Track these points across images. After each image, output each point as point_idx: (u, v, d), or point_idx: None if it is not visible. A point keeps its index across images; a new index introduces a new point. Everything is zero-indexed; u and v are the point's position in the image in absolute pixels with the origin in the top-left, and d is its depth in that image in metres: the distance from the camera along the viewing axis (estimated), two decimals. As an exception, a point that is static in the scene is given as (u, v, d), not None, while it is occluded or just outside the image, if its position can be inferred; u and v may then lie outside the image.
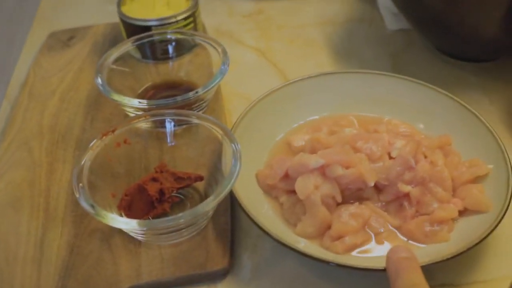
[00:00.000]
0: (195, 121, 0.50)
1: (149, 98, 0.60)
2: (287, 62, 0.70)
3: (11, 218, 0.50)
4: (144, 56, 0.64)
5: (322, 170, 0.48)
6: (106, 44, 0.73)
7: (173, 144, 0.53)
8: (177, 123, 0.51)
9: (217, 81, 0.55)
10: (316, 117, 0.59)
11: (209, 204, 0.43)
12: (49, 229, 0.49)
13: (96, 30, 0.76)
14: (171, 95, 0.61)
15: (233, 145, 0.47)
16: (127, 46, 0.61)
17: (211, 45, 0.60)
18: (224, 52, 0.58)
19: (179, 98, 0.54)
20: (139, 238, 0.47)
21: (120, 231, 0.48)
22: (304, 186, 0.47)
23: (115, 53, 0.59)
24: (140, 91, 0.62)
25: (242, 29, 0.77)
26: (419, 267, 0.39)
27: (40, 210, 0.51)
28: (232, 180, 0.44)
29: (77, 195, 0.44)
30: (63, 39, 0.74)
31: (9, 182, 0.54)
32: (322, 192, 0.47)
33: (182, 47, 0.64)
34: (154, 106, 0.54)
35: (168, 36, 0.62)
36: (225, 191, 0.43)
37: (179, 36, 0.62)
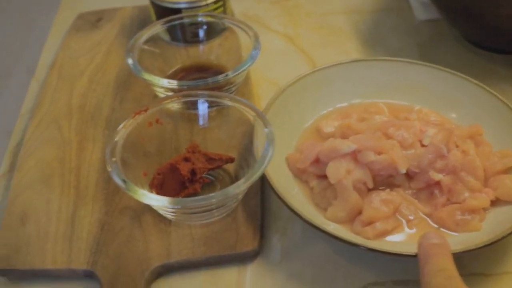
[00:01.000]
0: (228, 103, 0.50)
1: (179, 80, 0.60)
2: (315, 49, 0.70)
3: (41, 195, 0.51)
4: (174, 38, 0.64)
5: (354, 156, 0.48)
6: (134, 26, 0.73)
7: (204, 125, 0.53)
8: (210, 105, 0.51)
9: (247, 65, 0.55)
10: (345, 104, 0.58)
11: (241, 186, 0.43)
12: (80, 206, 0.49)
13: (124, 12, 0.76)
14: (200, 77, 0.61)
15: (266, 129, 0.47)
16: (158, 27, 0.61)
17: (242, 29, 0.59)
18: (256, 37, 0.57)
19: (209, 80, 0.54)
20: (170, 216, 0.47)
21: (150, 209, 0.48)
22: (336, 170, 0.47)
23: (146, 34, 0.59)
24: (169, 72, 0.62)
25: (270, 15, 0.76)
26: (450, 253, 0.39)
27: (70, 188, 0.51)
28: (265, 164, 0.44)
29: (110, 169, 0.44)
30: (91, 21, 0.74)
31: (39, 160, 0.54)
32: (354, 177, 0.47)
33: (212, 31, 0.64)
34: (184, 87, 0.54)
35: (199, 19, 0.62)
36: (257, 174, 0.43)
37: (209, 19, 0.62)
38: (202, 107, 0.51)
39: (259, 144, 0.47)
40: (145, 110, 0.49)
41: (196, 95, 0.50)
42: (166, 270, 0.45)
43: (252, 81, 0.63)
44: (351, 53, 0.69)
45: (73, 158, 0.54)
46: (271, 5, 0.78)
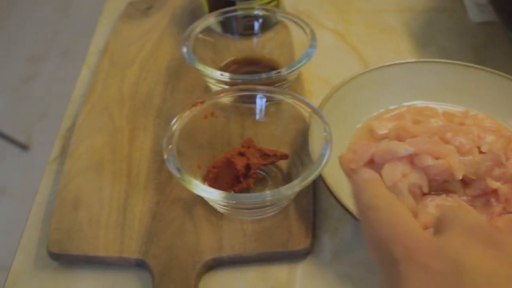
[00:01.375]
0: (283, 98, 0.50)
1: (231, 72, 0.60)
2: (366, 47, 0.69)
3: (93, 182, 0.51)
4: (226, 30, 0.63)
5: (411, 159, 0.47)
6: (184, 16, 0.73)
7: (257, 120, 0.52)
8: (265, 100, 0.51)
9: (303, 62, 0.55)
10: (398, 105, 0.58)
11: (296, 187, 0.42)
12: (131, 195, 0.50)
13: (175, 1, 0.75)
14: (252, 71, 0.61)
15: (324, 128, 0.46)
16: (213, 19, 0.60)
17: (298, 24, 0.59)
18: (313, 34, 0.57)
19: (263, 75, 0.53)
20: (222, 210, 0.47)
21: (201, 201, 0.48)
22: (392, 173, 0.47)
23: (201, 24, 0.59)
24: (222, 64, 0.61)
25: (320, 10, 0.75)
26: (383, 184, 0.36)
27: (122, 176, 0.51)
28: (322, 165, 0.43)
29: (166, 157, 0.44)
30: (142, 9, 0.74)
31: (91, 146, 0.54)
32: (410, 180, 0.46)
33: (265, 24, 0.64)
34: (238, 81, 0.53)
35: (256, 12, 0.62)
36: (313, 176, 0.43)
37: (265, 12, 0.62)
38: (257, 102, 0.51)
39: (315, 143, 0.47)
40: (202, 103, 0.49)
41: (254, 90, 0.50)
42: (217, 263, 0.45)
43: (303, 77, 0.63)
44: (403, 53, 0.68)
45: (125, 146, 0.54)
46: (321, 0, 0.78)
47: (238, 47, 0.64)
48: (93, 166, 0.52)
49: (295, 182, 0.42)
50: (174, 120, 0.47)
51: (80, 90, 0.64)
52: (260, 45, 0.64)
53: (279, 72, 0.54)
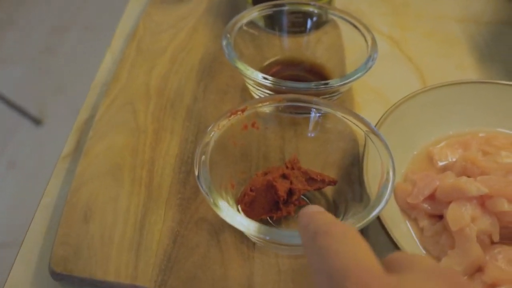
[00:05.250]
0: (334, 112, 0.43)
1: (273, 75, 0.53)
2: (424, 58, 0.61)
3: (109, 189, 0.44)
4: (269, 25, 0.56)
5: (482, 201, 0.40)
6: (222, 4, 0.66)
7: (299, 132, 0.45)
8: (314, 112, 0.44)
9: (359, 74, 0.47)
10: (461, 131, 0.50)
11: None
12: (151, 210, 0.43)
13: (213, -13, 0.68)
14: (297, 75, 0.54)
15: (384, 153, 0.39)
16: (258, 12, 0.53)
17: (357, 28, 0.51)
18: (374, 43, 0.49)
19: (313, 85, 0.46)
20: (255, 240, 0.40)
21: (231, 226, 0.41)
22: (460, 215, 0.39)
23: (246, 18, 0.52)
24: (264, 64, 0.54)
25: (374, 12, 0.68)
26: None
27: (142, 185, 0.45)
28: (382, 203, 0.36)
29: (196, 173, 0.37)
30: (177, -8, 0.67)
31: (110, 146, 0.48)
32: (479, 226, 0.39)
33: (314, 22, 0.57)
34: (283, 88, 0.46)
35: (307, 9, 0.54)
36: (372, 216, 0.35)
37: (317, 10, 0.54)
38: (303, 113, 0.44)
39: (371, 170, 0.40)
40: (242, 111, 0.42)
41: (305, 101, 0.43)
42: (245, 304, 0.38)
43: (352, 86, 0.55)
44: (466, 69, 0.60)
45: (147, 150, 0.47)
46: (376, 0, 0.70)
47: (282, 46, 0.56)
48: (110, 170, 0.46)
49: (348, 223, 0.35)
50: (209, 128, 0.40)
51: (102, 77, 0.58)
52: (307, 45, 0.57)
53: (328, 84, 0.47)
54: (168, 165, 0.46)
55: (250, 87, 0.51)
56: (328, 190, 0.43)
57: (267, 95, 0.48)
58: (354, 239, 0.25)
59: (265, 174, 0.42)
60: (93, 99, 0.55)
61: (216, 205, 0.35)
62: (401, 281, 0.23)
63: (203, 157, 0.38)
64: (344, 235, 0.25)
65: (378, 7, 0.69)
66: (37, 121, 1.70)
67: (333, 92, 0.49)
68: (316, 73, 0.54)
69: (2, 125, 1.70)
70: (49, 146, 1.62)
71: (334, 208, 0.42)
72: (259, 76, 0.46)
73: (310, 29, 0.57)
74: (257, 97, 0.51)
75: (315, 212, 0.29)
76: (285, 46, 0.57)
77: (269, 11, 0.53)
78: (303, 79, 0.54)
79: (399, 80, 0.58)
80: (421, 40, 0.64)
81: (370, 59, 0.47)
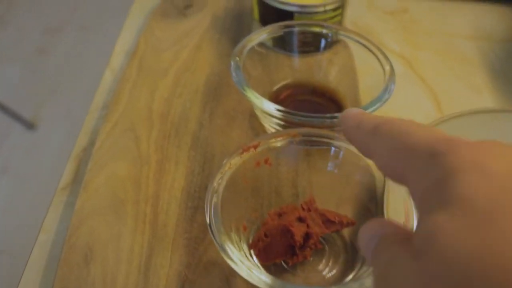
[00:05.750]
0: (349, 146, 0.40)
1: (284, 99, 0.50)
2: (436, 78, 0.59)
3: (111, 226, 0.41)
4: (278, 45, 0.53)
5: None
6: (227, 20, 0.63)
7: (312, 165, 0.43)
8: (326, 145, 0.41)
9: (376, 106, 0.44)
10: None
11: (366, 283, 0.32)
12: (157, 251, 0.40)
13: (217, 1, 0.66)
14: (309, 100, 0.51)
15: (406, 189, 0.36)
16: (266, 34, 0.50)
17: (375, 55, 0.48)
18: (392, 72, 0.46)
19: (327, 118, 0.43)
20: None
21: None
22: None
23: (256, 39, 0.49)
24: (275, 89, 0.51)
25: (384, 29, 0.65)
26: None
27: (146, 223, 0.42)
28: None
29: (208, 220, 0.34)
30: (179, 7, 0.64)
31: (111, 176, 0.45)
32: None
33: (324, 43, 0.54)
34: (296, 120, 0.43)
35: (321, 30, 0.51)
36: None
37: (328, 31, 0.52)
38: (317, 146, 0.41)
39: (392, 207, 0.37)
40: (255, 147, 0.39)
41: (324, 136, 0.40)
42: None
43: (365, 110, 0.53)
44: (480, 90, 0.58)
45: (151, 182, 0.45)
46: (384, 15, 0.67)
47: (291, 67, 0.54)
48: (111, 205, 0.43)
49: (365, 284, 0.32)
50: (221, 168, 0.37)
51: (101, 98, 0.55)
52: (317, 66, 0.55)
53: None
54: (174, 200, 0.43)
55: (259, 115, 0.48)
56: (345, 230, 0.41)
57: (276, 125, 0.45)
58: (426, 125, 0.22)
59: (279, 214, 0.39)
60: (92, 124, 0.52)
61: (232, 260, 0.32)
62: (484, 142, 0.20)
63: (213, 199, 0.35)
64: (409, 120, 0.23)
65: (387, 23, 0.66)
66: (30, 125, 1.66)
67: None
68: (329, 99, 0.52)
69: (-6, 129, 1.67)
70: (42, 151, 1.58)
71: (352, 250, 0.40)
72: (271, 107, 0.43)
73: (320, 50, 0.54)
74: (266, 124, 0.48)
75: (361, 111, 0.26)
76: (295, 67, 0.54)
77: (279, 33, 0.51)
78: (315, 105, 0.51)
79: (412, 101, 0.56)
80: (433, 59, 0.62)
81: (386, 91, 0.44)
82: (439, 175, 0.18)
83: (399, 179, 0.21)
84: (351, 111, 0.27)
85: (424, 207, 0.19)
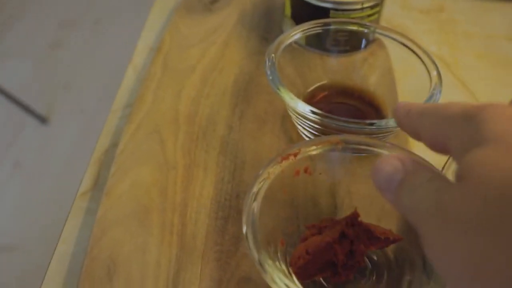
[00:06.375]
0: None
1: (319, 101, 0.47)
2: (477, 82, 0.55)
3: (136, 237, 0.38)
4: (312, 44, 0.50)
5: None
6: (256, 15, 0.60)
7: (351, 171, 0.40)
8: (366, 152, 0.38)
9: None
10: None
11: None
12: (185, 266, 0.37)
13: (245, -5, 0.62)
14: (345, 103, 0.48)
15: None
16: (304, 32, 0.47)
17: (420, 59, 0.45)
18: (439, 79, 0.43)
19: (367, 125, 0.40)
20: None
21: None
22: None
23: (290, 38, 0.46)
24: (309, 90, 0.48)
25: (420, 29, 0.62)
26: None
27: (173, 234, 0.39)
28: None
29: (244, 230, 0.31)
30: (205, 1, 0.61)
31: (135, 182, 0.42)
32: None
33: (361, 42, 0.51)
34: (333, 125, 0.40)
35: (365, 31, 0.48)
36: None
37: (368, 29, 0.48)
38: (356, 153, 0.38)
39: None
40: (295, 155, 0.36)
41: (368, 144, 0.37)
42: None
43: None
44: (525, 96, 0.54)
45: (178, 190, 0.42)
46: (420, 15, 0.64)
47: (326, 67, 0.51)
48: (136, 214, 0.40)
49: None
50: (259, 177, 0.34)
51: (124, 97, 0.52)
52: (352, 67, 0.51)
53: (383, 124, 0.40)
54: (203, 209, 0.40)
55: (293, 116, 0.45)
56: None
57: (311, 128, 0.42)
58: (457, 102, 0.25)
59: (319, 228, 0.36)
60: (114, 124, 0.49)
61: (272, 280, 0.29)
62: None
63: (252, 213, 0.32)
64: (447, 102, 0.25)
65: (423, 23, 0.63)
66: (43, 120, 1.64)
67: (387, 132, 0.43)
68: (366, 102, 0.48)
69: (7, 124, 1.64)
70: (55, 146, 1.56)
71: (397, 267, 0.36)
72: (306, 109, 0.40)
73: (357, 49, 0.51)
74: (299, 127, 0.45)
75: (410, 102, 0.29)
76: (330, 67, 0.51)
77: (315, 31, 0.47)
78: (352, 109, 0.48)
79: (453, 108, 0.52)
80: (473, 62, 0.58)
81: (431, 100, 0.41)
82: (474, 128, 0.21)
83: (444, 149, 0.24)
84: (401, 103, 0.29)
85: (462, 154, 0.21)
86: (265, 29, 0.58)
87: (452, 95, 0.54)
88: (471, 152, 0.20)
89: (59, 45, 1.94)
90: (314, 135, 0.43)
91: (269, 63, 0.43)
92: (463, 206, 0.19)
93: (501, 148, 0.19)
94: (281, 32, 0.57)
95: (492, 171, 0.19)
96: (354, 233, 0.35)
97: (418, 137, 0.27)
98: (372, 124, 0.40)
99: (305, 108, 0.40)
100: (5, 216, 1.39)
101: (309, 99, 0.47)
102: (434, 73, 0.43)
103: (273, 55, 0.43)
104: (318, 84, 0.49)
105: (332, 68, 0.51)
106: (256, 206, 0.33)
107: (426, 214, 0.21)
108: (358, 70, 0.51)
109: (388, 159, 0.25)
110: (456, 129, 0.23)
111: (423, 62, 0.44)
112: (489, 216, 0.18)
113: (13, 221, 1.38)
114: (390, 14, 0.63)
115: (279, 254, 0.35)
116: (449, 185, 0.21)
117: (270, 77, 0.42)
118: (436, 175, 0.23)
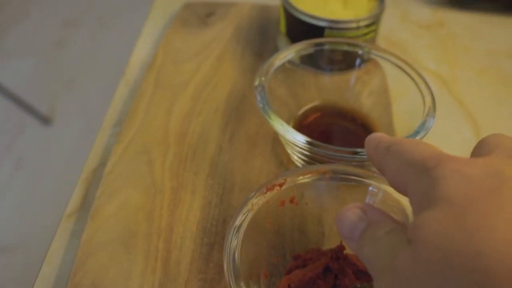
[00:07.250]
0: (383, 187, 0.36)
1: (311, 123, 0.46)
2: (476, 102, 0.54)
3: (120, 263, 0.38)
4: (305, 63, 0.49)
5: None
6: (251, 30, 0.59)
7: (338, 198, 0.39)
8: (362, 184, 0.37)
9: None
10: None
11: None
12: (168, 294, 0.36)
13: (241, 9, 0.62)
14: (337, 124, 0.47)
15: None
16: (297, 52, 0.46)
17: (412, 79, 0.44)
18: (433, 104, 0.42)
19: (358, 154, 0.39)
20: None
21: (263, 322, 0.34)
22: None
23: (282, 59, 0.45)
24: (302, 111, 0.48)
25: (418, 44, 0.61)
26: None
27: (158, 260, 0.38)
28: None
29: (225, 266, 0.31)
30: (201, 15, 0.61)
31: (123, 206, 0.41)
32: None
33: (356, 61, 0.50)
34: (328, 155, 0.39)
35: (353, 49, 0.47)
36: None
37: (362, 50, 0.48)
38: (346, 182, 0.37)
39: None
40: (280, 185, 0.35)
41: (357, 175, 0.36)
42: None
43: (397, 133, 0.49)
44: (524, 117, 0.53)
45: (164, 213, 0.41)
46: (419, 30, 0.63)
47: (319, 87, 0.50)
48: (121, 238, 0.39)
49: None
50: (242, 209, 0.34)
51: (114, 114, 0.51)
52: (346, 86, 0.51)
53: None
54: (189, 234, 0.40)
55: (284, 142, 0.44)
56: (376, 277, 0.37)
57: (301, 154, 0.42)
58: (428, 144, 0.25)
59: (304, 260, 0.35)
60: (103, 143, 0.48)
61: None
62: (481, 159, 0.23)
63: (233, 247, 0.32)
64: (416, 140, 0.26)
65: (422, 38, 0.62)
66: (45, 119, 1.64)
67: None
68: (360, 125, 0.48)
69: (10, 124, 1.64)
70: (58, 146, 1.56)
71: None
72: (300, 139, 0.39)
73: (351, 68, 0.50)
74: (289, 151, 0.44)
75: (381, 135, 0.29)
76: (323, 87, 0.50)
77: (308, 50, 0.47)
78: (345, 132, 0.47)
79: (450, 129, 0.51)
80: (473, 80, 0.57)
81: (424, 127, 0.40)
82: (429, 184, 0.22)
83: (404, 191, 0.25)
84: (373, 135, 0.30)
85: (417, 210, 0.22)
86: (260, 45, 0.57)
87: (448, 114, 0.53)
88: (422, 215, 0.21)
89: (62, 44, 1.94)
90: (304, 160, 0.42)
91: (259, 87, 0.42)
92: (410, 269, 0.20)
93: (450, 212, 0.20)
94: (276, 48, 0.56)
95: (437, 236, 0.20)
96: (339, 267, 0.34)
97: (383, 173, 0.27)
98: (363, 153, 0.39)
99: (295, 137, 0.39)
100: (6, 216, 1.39)
101: (301, 121, 0.47)
102: (428, 98, 0.42)
103: (263, 78, 0.42)
104: (311, 105, 0.48)
105: (326, 87, 0.51)
106: (238, 240, 0.32)
107: (382, 270, 0.22)
108: (353, 89, 0.51)
109: (352, 207, 0.26)
110: (413, 180, 0.23)
111: (417, 86, 0.43)
112: (432, 281, 0.19)
113: (14, 221, 1.38)
114: (389, 28, 0.63)
115: (261, 287, 0.34)
116: (403, 244, 0.21)
117: (260, 105, 0.41)
118: (394, 228, 0.24)
